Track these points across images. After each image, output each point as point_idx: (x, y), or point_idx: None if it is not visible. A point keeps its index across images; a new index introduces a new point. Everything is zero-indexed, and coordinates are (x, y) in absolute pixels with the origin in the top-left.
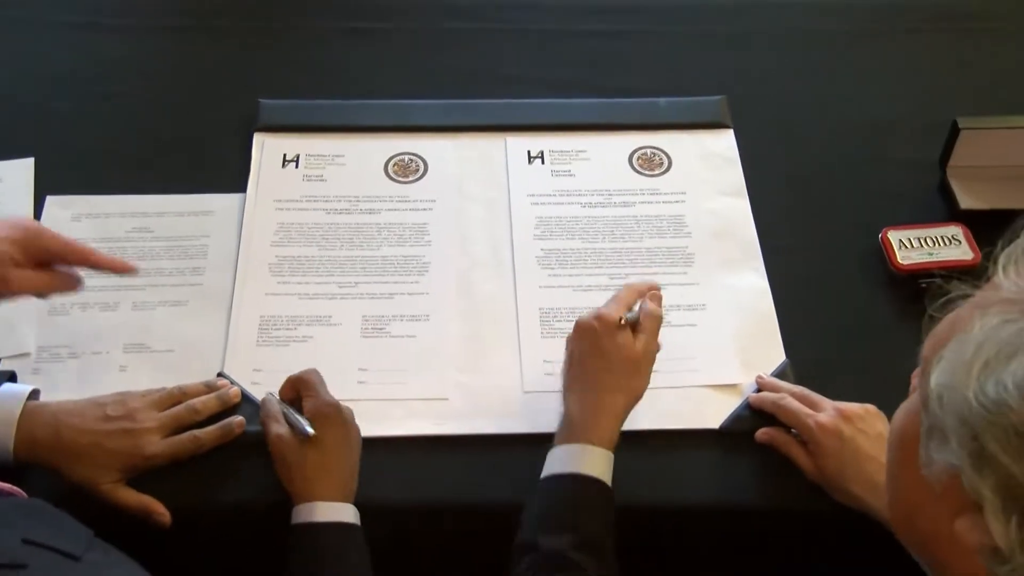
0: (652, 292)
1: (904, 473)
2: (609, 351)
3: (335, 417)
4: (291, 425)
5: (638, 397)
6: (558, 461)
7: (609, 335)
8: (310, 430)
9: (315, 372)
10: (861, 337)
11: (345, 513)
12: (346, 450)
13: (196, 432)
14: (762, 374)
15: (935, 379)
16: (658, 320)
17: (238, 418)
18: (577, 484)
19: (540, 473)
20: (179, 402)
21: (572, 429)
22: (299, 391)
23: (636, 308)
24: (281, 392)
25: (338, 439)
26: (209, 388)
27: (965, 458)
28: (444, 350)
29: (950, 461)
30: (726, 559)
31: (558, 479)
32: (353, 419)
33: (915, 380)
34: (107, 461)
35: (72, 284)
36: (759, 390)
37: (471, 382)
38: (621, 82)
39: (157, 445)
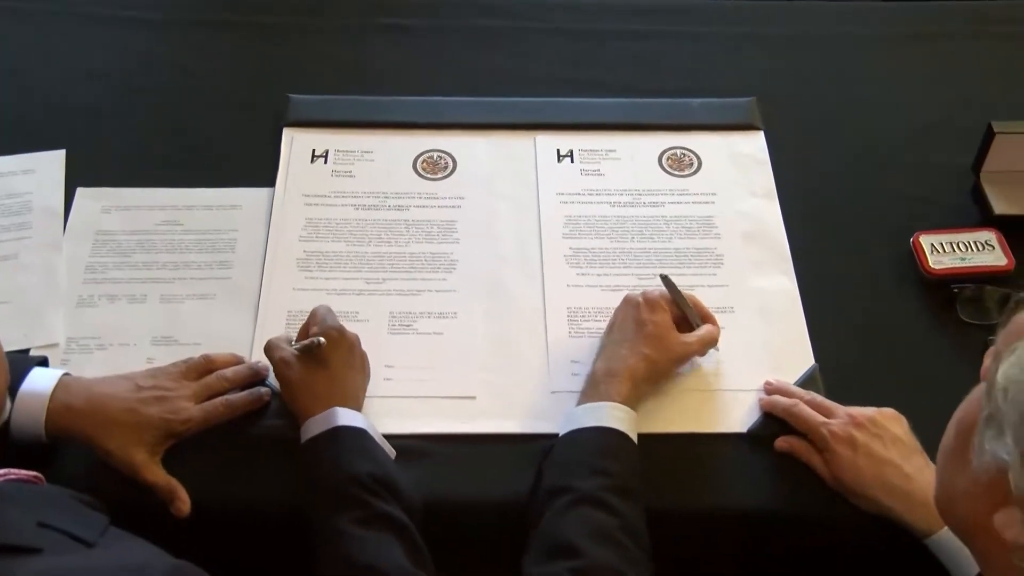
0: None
1: (954, 458)
2: (643, 321)
3: (339, 339)
4: (301, 350)
5: (658, 373)
6: (581, 417)
7: (649, 309)
8: (321, 339)
9: (324, 306)
10: (891, 342)
11: (357, 419)
12: (350, 372)
13: (228, 397)
14: (770, 379)
15: (1003, 371)
16: (714, 335)
17: (266, 388)
18: (604, 435)
19: None
20: (207, 371)
21: (595, 387)
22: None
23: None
24: (298, 336)
25: (343, 359)
26: (236, 360)
27: (1017, 456)
28: (471, 348)
29: (1000, 455)
30: (751, 565)
31: (582, 431)
32: (359, 344)
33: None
34: (142, 429)
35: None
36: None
37: (498, 381)
38: (652, 82)
39: (191, 410)
